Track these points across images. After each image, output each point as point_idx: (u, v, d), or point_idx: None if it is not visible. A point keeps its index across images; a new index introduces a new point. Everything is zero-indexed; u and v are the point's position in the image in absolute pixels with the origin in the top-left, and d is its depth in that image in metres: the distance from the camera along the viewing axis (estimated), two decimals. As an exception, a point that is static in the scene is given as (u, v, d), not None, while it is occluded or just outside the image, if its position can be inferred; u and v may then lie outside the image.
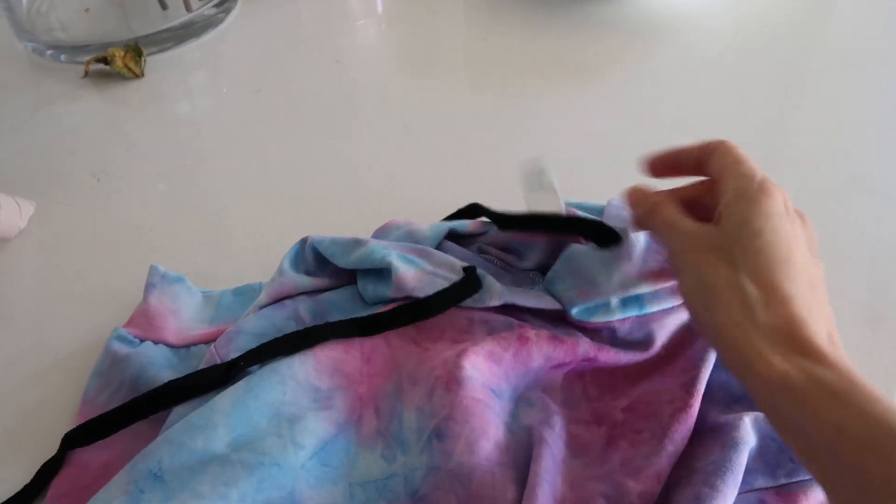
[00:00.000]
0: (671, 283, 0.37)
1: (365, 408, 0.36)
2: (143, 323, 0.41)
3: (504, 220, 0.40)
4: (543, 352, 0.36)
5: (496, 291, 0.37)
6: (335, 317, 0.39)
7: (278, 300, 0.40)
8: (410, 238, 0.42)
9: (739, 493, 0.31)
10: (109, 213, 0.52)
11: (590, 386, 0.37)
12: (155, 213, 0.52)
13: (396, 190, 0.52)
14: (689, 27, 0.67)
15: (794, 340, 0.27)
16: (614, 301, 0.37)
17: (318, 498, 0.33)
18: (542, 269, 0.40)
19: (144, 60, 0.64)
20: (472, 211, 0.45)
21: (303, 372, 0.35)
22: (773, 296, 0.28)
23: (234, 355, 0.36)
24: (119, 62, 0.63)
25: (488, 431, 0.33)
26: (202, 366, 0.37)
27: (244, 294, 0.44)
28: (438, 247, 0.42)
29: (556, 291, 0.38)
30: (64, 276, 0.47)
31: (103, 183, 0.54)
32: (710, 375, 0.36)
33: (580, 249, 0.38)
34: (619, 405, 0.36)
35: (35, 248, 0.50)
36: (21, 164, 0.56)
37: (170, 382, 0.36)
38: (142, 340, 0.40)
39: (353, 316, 0.38)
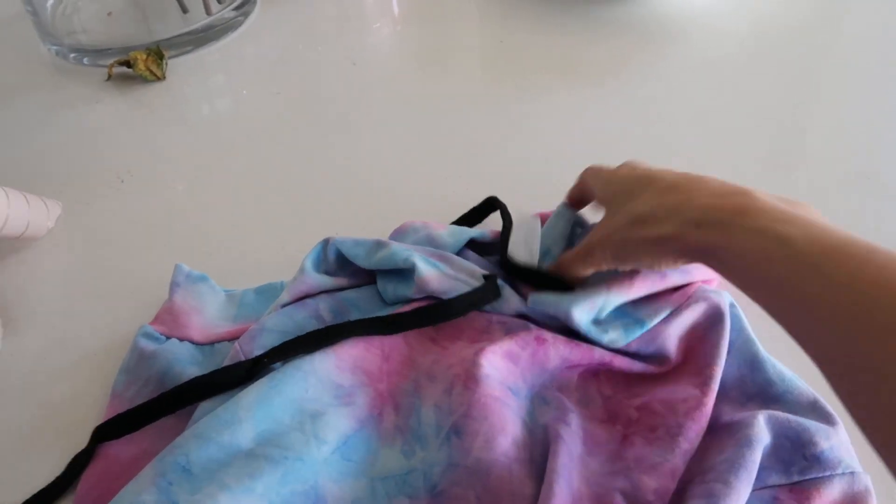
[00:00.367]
0: (661, 293, 0.38)
1: (385, 404, 0.36)
2: (168, 320, 0.42)
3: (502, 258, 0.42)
4: (560, 353, 0.37)
5: (514, 302, 0.39)
6: (355, 316, 0.40)
7: (300, 299, 0.41)
8: (430, 242, 0.43)
9: (753, 490, 0.32)
10: (133, 213, 0.53)
11: (604, 385, 0.38)
12: (178, 213, 0.53)
13: (413, 189, 0.53)
14: (700, 28, 0.68)
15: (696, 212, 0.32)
16: (613, 333, 0.37)
17: (340, 492, 0.34)
18: None
19: (166, 63, 0.65)
20: (490, 205, 0.47)
21: (324, 369, 0.36)
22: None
23: (258, 352, 0.37)
24: (141, 65, 0.64)
25: (506, 428, 0.34)
26: (226, 362, 0.38)
27: (266, 293, 0.44)
28: (458, 253, 0.43)
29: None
30: (91, 275, 0.49)
31: (127, 183, 0.55)
32: (724, 372, 0.36)
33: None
34: (634, 403, 0.37)
35: (62, 248, 0.51)
36: (47, 165, 0.58)
37: (196, 379, 0.37)
38: (168, 337, 0.41)
39: (372, 315, 0.39)
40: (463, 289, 0.39)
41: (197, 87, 0.66)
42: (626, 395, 0.38)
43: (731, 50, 0.65)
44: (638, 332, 0.37)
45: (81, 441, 0.38)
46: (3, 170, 0.57)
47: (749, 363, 0.38)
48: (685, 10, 0.70)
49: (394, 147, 0.57)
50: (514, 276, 0.41)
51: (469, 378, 0.35)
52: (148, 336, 0.41)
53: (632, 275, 0.37)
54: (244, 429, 0.34)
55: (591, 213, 0.43)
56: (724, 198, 0.31)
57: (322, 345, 0.37)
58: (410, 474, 0.34)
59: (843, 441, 0.34)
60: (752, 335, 0.38)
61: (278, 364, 0.37)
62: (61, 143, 0.60)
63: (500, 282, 0.40)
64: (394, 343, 0.38)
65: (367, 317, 0.39)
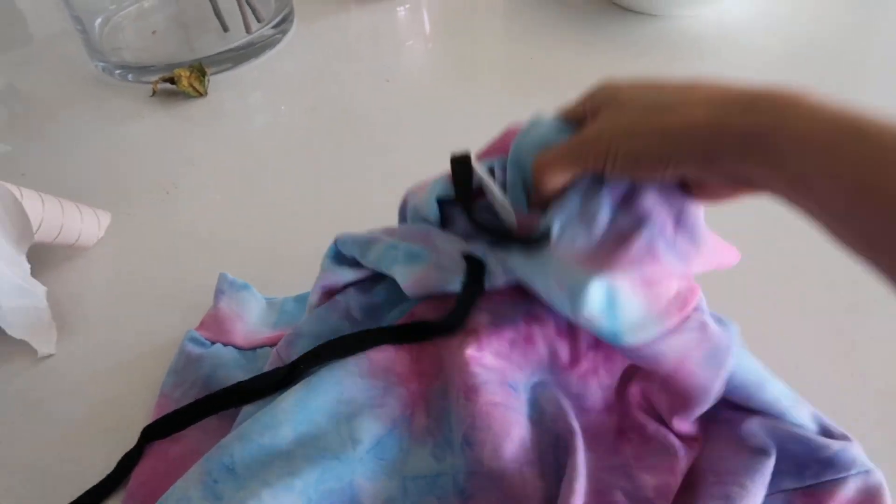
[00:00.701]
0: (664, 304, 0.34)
1: (416, 405, 0.37)
2: (213, 326, 0.44)
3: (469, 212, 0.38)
4: (548, 336, 0.36)
5: (498, 273, 0.36)
6: (385, 312, 0.41)
7: (326, 295, 0.41)
8: (417, 214, 0.41)
9: (767, 494, 0.32)
10: (179, 224, 0.55)
11: (602, 376, 0.38)
12: (221, 224, 0.55)
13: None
14: (732, 45, 0.68)
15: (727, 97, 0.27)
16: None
17: (374, 490, 0.35)
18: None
19: (208, 80, 0.68)
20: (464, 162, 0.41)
21: (357, 373, 0.37)
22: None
23: (296, 356, 0.39)
24: (185, 82, 0.67)
25: (511, 433, 0.34)
26: (267, 367, 0.40)
27: (304, 301, 0.46)
28: (443, 216, 0.40)
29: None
30: (139, 282, 0.51)
31: (172, 195, 0.58)
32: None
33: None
34: (629, 396, 0.37)
35: (112, 256, 0.53)
36: (96, 177, 0.61)
37: (239, 384, 0.38)
38: (213, 342, 0.43)
39: (403, 307, 0.40)
40: (449, 279, 0.37)
41: (237, 103, 0.68)
42: (623, 385, 0.37)
43: (762, 68, 0.66)
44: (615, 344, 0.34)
45: (130, 439, 0.40)
46: (55, 180, 0.60)
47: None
48: (716, 27, 0.70)
49: (427, 161, 0.58)
50: (487, 236, 0.37)
51: (468, 390, 0.35)
52: (194, 340, 0.43)
53: (616, 242, 0.31)
54: (284, 431, 0.35)
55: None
56: (772, 87, 0.26)
57: (354, 350, 0.38)
58: (440, 478, 0.35)
59: (857, 447, 0.34)
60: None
61: (314, 368, 0.38)
62: (109, 156, 0.63)
63: (482, 256, 0.37)
64: (423, 344, 0.38)
65: (397, 311, 0.40)
